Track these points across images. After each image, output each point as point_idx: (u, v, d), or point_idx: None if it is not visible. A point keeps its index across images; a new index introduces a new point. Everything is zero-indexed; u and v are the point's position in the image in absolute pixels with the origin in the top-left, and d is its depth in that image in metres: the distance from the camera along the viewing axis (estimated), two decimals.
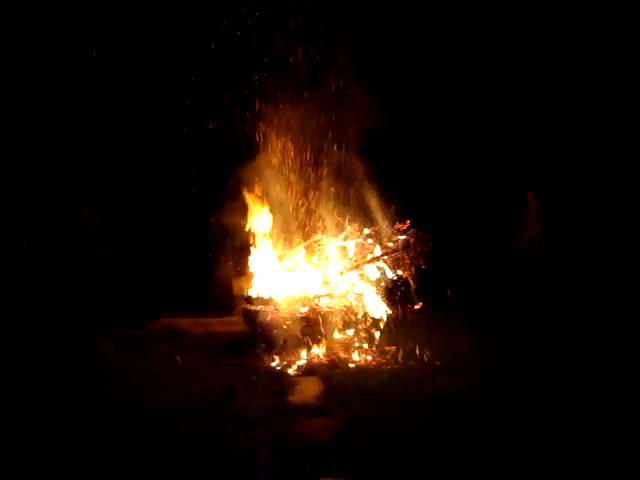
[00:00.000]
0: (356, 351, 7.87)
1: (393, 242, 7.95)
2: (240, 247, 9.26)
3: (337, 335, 8.25)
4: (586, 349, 7.73)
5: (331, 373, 7.26)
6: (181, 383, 7.03)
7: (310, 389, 6.80)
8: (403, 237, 7.95)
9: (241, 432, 5.63)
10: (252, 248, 8.68)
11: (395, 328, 8.12)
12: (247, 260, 9.12)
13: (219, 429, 5.71)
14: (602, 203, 11.91)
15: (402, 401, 6.19)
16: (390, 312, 7.92)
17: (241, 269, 9.75)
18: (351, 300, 8.02)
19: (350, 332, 8.24)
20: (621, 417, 5.67)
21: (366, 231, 8.19)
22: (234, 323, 9.36)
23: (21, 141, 10.77)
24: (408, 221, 8.12)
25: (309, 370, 7.40)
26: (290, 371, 7.41)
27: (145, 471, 4.90)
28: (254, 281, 8.55)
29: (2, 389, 6.73)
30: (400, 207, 8.47)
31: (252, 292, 8.32)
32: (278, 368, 7.54)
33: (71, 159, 11.08)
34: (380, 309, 7.96)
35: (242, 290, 9.50)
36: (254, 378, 7.12)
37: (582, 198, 12.08)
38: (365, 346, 7.94)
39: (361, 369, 7.41)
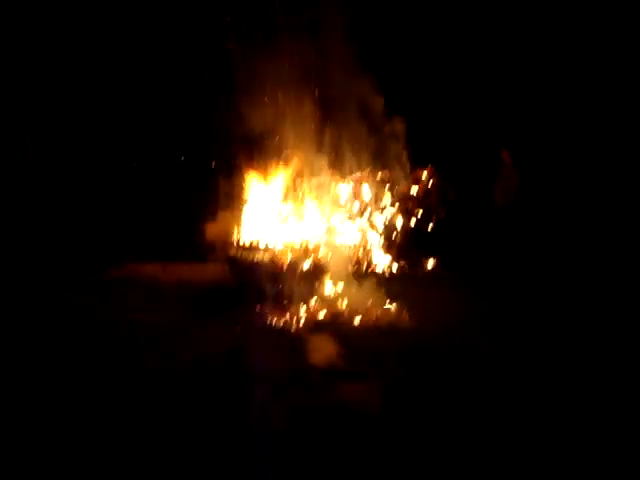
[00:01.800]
0: (357, 307, 7.14)
1: (411, 188, 7.21)
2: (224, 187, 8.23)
3: (330, 288, 7.49)
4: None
5: (340, 331, 6.60)
6: (172, 343, 6.17)
7: (326, 349, 6.11)
8: (424, 184, 7.22)
9: (271, 401, 4.88)
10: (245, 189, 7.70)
11: (399, 284, 7.44)
12: (228, 202, 8.20)
13: (240, 398, 4.95)
14: (577, 160, 11.62)
15: (439, 365, 5.69)
16: (396, 266, 7.23)
17: (218, 211, 8.78)
18: (354, 250, 7.25)
19: (340, 286, 7.47)
20: None
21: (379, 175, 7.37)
22: (208, 271, 8.45)
23: None
24: (429, 166, 7.37)
25: (315, 327, 6.74)
26: (293, 328, 6.65)
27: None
28: (244, 226, 7.62)
29: None
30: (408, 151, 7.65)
31: (244, 238, 7.40)
32: (277, 325, 6.77)
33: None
34: (386, 262, 7.25)
35: (217, 235, 8.58)
36: (257, 336, 6.33)
37: (557, 155, 11.74)
38: (368, 302, 7.19)
39: (371, 327, 6.75)
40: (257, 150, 7.76)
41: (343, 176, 7.38)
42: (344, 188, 7.35)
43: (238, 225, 7.93)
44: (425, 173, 7.41)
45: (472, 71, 11.35)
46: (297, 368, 5.59)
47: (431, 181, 7.39)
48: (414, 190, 7.33)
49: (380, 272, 7.43)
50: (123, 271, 8.41)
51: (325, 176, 7.43)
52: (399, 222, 7.36)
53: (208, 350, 5.96)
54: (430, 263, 7.63)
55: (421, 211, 7.35)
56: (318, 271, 7.27)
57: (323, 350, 6.08)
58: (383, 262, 7.41)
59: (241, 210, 8.10)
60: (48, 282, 7.71)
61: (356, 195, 7.33)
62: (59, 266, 8.22)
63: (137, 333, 6.43)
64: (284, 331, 6.65)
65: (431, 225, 7.44)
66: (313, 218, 7.45)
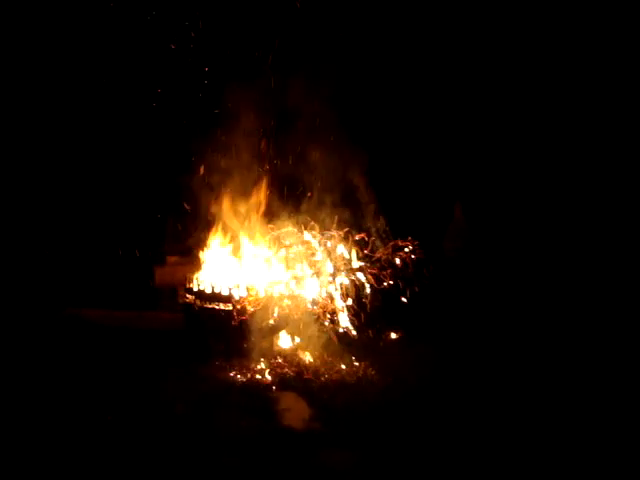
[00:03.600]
0: (322, 364, 6.84)
1: (388, 257, 7.14)
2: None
3: (292, 342, 7.18)
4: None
5: (308, 388, 6.29)
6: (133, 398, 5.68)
7: (298, 409, 5.89)
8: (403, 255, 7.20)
9: (250, 471, 4.50)
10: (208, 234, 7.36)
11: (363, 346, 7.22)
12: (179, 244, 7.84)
13: (216, 464, 4.55)
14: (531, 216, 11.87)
15: (416, 429, 5.39)
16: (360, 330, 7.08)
17: (167, 254, 8.37)
18: (320, 307, 7.00)
19: (303, 341, 7.17)
20: None
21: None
22: (158, 320, 7.92)
23: None
24: (410, 238, 7.34)
25: (281, 384, 6.36)
26: (258, 385, 6.28)
27: None
28: (200, 271, 7.23)
29: None
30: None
31: (200, 284, 7.00)
32: (241, 380, 6.36)
33: None
34: (350, 324, 7.06)
35: (168, 280, 8.16)
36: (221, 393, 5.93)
37: (510, 212, 11.96)
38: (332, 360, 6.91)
39: (339, 384, 6.44)
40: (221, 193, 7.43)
41: (318, 231, 7.17)
42: (316, 243, 7.12)
43: (192, 270, 7.52)
44: (407, 246, 7.33)
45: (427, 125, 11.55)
46: (271, 431, 5.22)
47: (412, 255, 7.31)
48: (394, 259, 7.21)
49: (343, 332, 7.16)
50: (64, 317, 7.75)
51: (296, 228, 7.18)
52: (369, 287, 7.17)
53: (171, 409, 5.51)
54: (394, 334, 7.53)
55: (395, 281, 7.22)
56: (281, 324, 6.93)
57: (295, 410, 5.77)
58: (347, 324, 7.16)
59: (195, 253, 7.71)
60: None
61: (329, 252, 7.12)
62: None
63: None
64: (249, 387, 6.26)
65: (404, 298, 7.33)
66: (278, 268, 7.13)
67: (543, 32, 11.75)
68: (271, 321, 6.88)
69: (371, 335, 7.39)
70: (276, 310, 6.83)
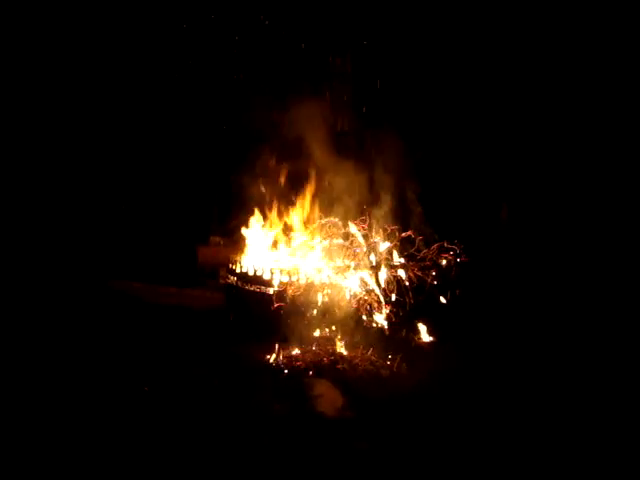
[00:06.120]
0: (356, 354, 6.88)
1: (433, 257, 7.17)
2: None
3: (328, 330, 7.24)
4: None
5: (342, 377, 6.33)
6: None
7: (331, 397, 5.90)
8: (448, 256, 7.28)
9: (284, 453, 4.57)
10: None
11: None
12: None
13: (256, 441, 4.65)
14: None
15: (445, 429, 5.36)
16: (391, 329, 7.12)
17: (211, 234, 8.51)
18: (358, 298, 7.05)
19: (339, 330, 7.21)
20: None
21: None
22: (197, 298, 8.06)
23: None
24: (456, 241, 7.37)
25: (317, 370, 6.45)
26: (292, 369, 6.35)
27: None
28: (242, 252, 7.33)
29: None
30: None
31: (246, 267, 7.08)
32: (276, 362, 6.53)
33: None
34: (385, 320, 7.10)
35: (209, 259, 8.29)
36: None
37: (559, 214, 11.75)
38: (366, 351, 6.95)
39: (373, 376, 6.47)
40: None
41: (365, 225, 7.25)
42: (361, 236, 7.19)
43: (235, 251, 7.63)
44: (454, 248, 7.36)
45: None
46: (303, 416, 5.29)
47: (457, 259, 7.33)
48: (439, 260, 7.24)
49: (380, 327, 7.21)
50: (107, 289, 7.95)
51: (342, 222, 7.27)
52: (410, 285, 7.20)
53: (204, 387, 5.60)
54: (431, 334, 7.54)
55: (437, 282, 7.24)
56: (320, 312, 6.99)
57: (328, 397, 5.81)
58: (384, 319, 7.20)
59: (239, 236, 7.82)
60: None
61: (373, 247, 7.17)
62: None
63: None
64: (284, 371, 6.32)
65: (443, 299, 7.34)
66: (321, 257, 7.20)
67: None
68: (311, 309, 7.00)
69: (406, 333, 7.41)
70: (317, 298, 6.92)
